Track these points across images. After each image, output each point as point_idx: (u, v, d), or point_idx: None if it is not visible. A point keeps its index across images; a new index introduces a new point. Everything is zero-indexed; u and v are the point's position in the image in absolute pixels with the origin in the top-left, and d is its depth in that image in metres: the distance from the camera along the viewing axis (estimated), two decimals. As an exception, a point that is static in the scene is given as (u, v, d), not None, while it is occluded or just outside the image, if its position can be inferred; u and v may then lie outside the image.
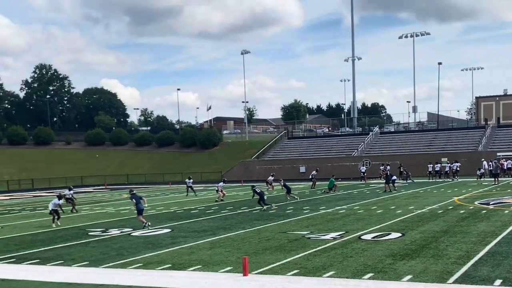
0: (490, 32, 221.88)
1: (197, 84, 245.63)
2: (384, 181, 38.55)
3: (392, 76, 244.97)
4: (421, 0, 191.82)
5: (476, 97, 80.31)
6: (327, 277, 11.73)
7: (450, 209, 23.79)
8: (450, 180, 47.62)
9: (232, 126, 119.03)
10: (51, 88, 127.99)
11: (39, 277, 13.01)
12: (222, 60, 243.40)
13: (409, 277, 11.36)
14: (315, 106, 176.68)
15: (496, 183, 40.10)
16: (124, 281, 12.22)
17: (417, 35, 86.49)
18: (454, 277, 11.18)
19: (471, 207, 24.29)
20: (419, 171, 53.03)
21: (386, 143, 68.32)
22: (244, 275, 12.02)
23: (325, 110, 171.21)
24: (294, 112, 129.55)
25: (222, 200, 34.21)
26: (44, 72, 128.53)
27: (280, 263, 13.32)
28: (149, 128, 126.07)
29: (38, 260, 15.22)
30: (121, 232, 20.63)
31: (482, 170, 47.31)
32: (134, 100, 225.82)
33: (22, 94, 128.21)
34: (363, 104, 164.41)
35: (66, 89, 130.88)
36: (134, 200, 21.98)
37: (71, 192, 32.90)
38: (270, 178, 43.60)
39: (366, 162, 59.91)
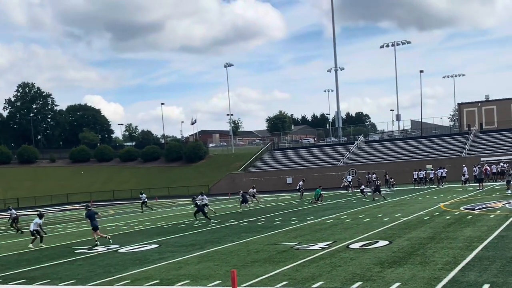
0: (470, 39, 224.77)
1: (181, 98, 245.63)
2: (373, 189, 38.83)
3: (375, 85, 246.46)
4: (401, 9, 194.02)
5: (458, 104, 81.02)
6: (316, 287, 11.72)
7: (436, 216, 23.93)
8: (436, 186, 47.95)
9: (217, 139, 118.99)
10: (34, 106, 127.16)
11: (25, 297, 12.85)
12: (206, 74, 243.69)
13: (397, 284, 11.39)
14: (300, 117, 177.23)
15: (481, 188, 40.42)
16: (112, 298, 12.11)
17: (398, 44, 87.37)
18: (442, 283, 11.22)
19: (456, 213, 24.45)
20: (405, 179, 53.31)
21: (371, 152, 68.65)
22: (233, 288, 11.97)
23: (310, 120, 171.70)
24: (279, 124, 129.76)
25: (214, 212, 33.61)
26: (27, 91, 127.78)
27: (269, 275, 13.28)
28: (134, 143, 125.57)
29: (24, 280, 15.04)
30: (108, 249, 20.46)
31: (467, 176, 47.68)
32: (118, 116, 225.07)
33: (5, 113, 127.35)
34: (348, 114, 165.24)
35: (49, 107, 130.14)
36: (88, 218, 22.36)
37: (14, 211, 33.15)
38: (252, 190, 43.53)
39: (352, 171, 60.08)
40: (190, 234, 23.71)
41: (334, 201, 38.84)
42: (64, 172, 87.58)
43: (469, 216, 22.71)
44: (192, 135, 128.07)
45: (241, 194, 36.96)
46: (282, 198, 47.47)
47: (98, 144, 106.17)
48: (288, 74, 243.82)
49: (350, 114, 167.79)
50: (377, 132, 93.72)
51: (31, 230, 23.00)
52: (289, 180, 63.31)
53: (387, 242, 17.06)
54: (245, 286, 12.25)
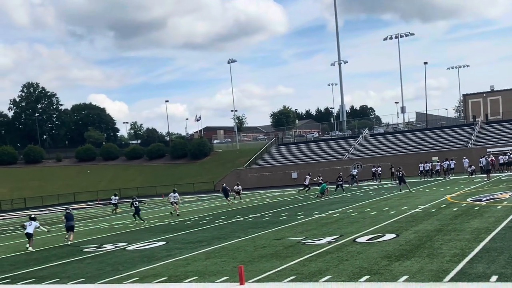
0: (474, 29, 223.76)
1: (185, 95, 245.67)
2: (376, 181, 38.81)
3: (379, 77, 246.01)
4: (404, 1, 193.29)
5: (463, 95, 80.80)
6: (324, 281, 11.73)
7: (443, 208, 23.88)
8: (442, 178, 47.84)
9: (222, 135, 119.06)
10: (39, 106, 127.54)
11: (35, 297, 12.92)
12: (209, 70, 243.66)
13: (405, 277, 11.38)
14: (304, 112, 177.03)
15: (488, 179, 40.25)
16: (121, 296, 12.16)
17: (401, 36, 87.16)
18: (450, 275, 11.21)
19: (463, 205, 24.40)
20: (411, 171, 53.15)
21: (376, 145, 68.50)
22: (241, 284, 12.00)
23: (314, 115, 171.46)
24: (283, 119, 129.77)
25: (178, 214, 32.86)
26: (31, 91, 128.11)
27: (276, 270, 13.31)
28: (139, 141, 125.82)
29: (33, 280, 15.13)
30: (116, 247, 20.53)
31: (473, 167, 47.55)
32: (123, 114, 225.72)
33: (10, 114, 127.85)
34: (352, 107, 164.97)
35: (54, 106, 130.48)
36: (65, 219, 23.39)
37: None
38: (236, 187, 43.69)
39: (358, 165, 60.02)
40: (197, 230, 23.76)
41: (340, 195, 38.81)
42: (70, 171, 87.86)
43: (476, 208, 22.66)
44: (196, 132, 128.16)
45: (222, 188, 38.98)
46: (287, 193, 47.49)
47: (104, 143, 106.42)
48: (291, 69, 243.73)
49: (355, 108, 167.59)
50: (382, 125, 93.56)
51: (31, 232, 22.29)
52: (295, 175, 63.27)
53: (394, 235, 17.05)
54: (252, 282, 12.28)
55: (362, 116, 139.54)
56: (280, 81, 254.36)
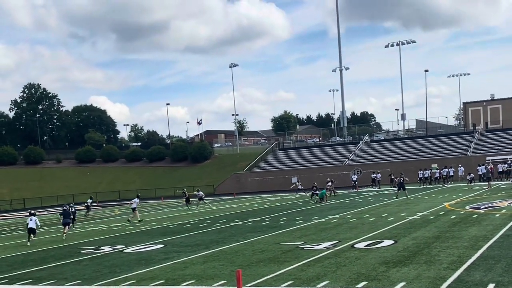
0: (475, 38, 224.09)
1: (186, 99, 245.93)
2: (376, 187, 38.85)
3: (380, 84, 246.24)
4: (406, 9, 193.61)
5: (463, 103, 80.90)
6: (321, 287, 11.73)
7: (441, 215, 23.89)
8: (441, 186, 47.87)
9: (223, 139, 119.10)
10: (40, 107, 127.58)
11: (32, 298, 12.92)
12: (211, 74, 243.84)
13: (402, 284, 11.39)
14: (305, 117, 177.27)
15: (489, 187, 40.20)
16: (118, 298, 12.15)
17: (403, 43, 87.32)
18: (447, 283, 11.21)
19: (462, 212, 24.41)
20: (410, 178, 53.08)
21: (376, 151, 68.56)
22: (238, 288, 12.00)
23: (315, 120, 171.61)
24: (284, 123, 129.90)
25: (140, 220, 32.69)
26: (33, 91, 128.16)
27: (274, 274, 13.30)
28: (139, 143, 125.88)
29: (30, 280, 15.11)
30: (114, 249, 20.53)
31: (472, 175, 47.55)
32: (124, 116, 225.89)
33: (11, 114, 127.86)
34: (353, 113, 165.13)
35: (55, 108, 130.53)
36: (61, 216, 26.94)
37: None
38: (199, 193, 43.69)
39: (357, 171, 60.07)
40: (196, 234, 23.76)
41: (339, 200, 38.82)
42: (70, 173, 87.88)
43: (475, 215, 22.67)
44: (197, 135, 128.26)
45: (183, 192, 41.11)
46: (287, 198, 47.49)
47: (104, 145, 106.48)
48: (293, 74, 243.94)
49: (355, 114, 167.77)
50: (382, 131, 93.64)
51: (33, 227, 24.85)
52: (294, 179, 63.26)
53: (392, 242, 17.06)
54: (250, 286, 12.27)
55: (363, 122, 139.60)
56: (281, 86, 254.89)
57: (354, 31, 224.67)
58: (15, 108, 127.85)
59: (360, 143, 71.42)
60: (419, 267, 12.87)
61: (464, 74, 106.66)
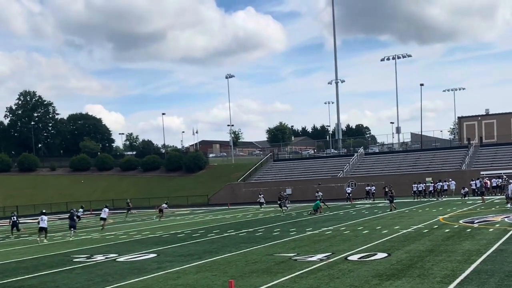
0: (470, 53, 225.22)
1: (182, 108, 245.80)
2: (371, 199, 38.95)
3: (375, 97, 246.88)
4: (402, 23, 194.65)
5: (458, 117, 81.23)
6: (314, 298, 11.71)
7: (435, 228, 23.91)
8: (435, 199, 47.94)
9: (218, 149, 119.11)
10: (35, 114, 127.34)
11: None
12: (207, 84, 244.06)
13: (395, 297, 11.37)
14: (300, 128, 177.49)
15: (483, 201, 40.27)
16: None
17: (399, 57, 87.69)
18: (440, 296, 11.20)
19: (456, 226, 24.43)
20: (404, 191, 53.28)
21: (371, 164, 68.65)
22: (231, 298, 11.95)
23: (310, 132, 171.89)
24: (279, 135, 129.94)
25: (103, 228, 34.28)
26: (28, 99, 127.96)
27: (267, 286, 13.26)
28: (134, 152, 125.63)
29: (22, 288, 15.04)
30: (106, 258, 20.43)
31: (466, 189, 47.67)
32: (119, 125, 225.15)
33: (6, 121, 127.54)
34: (348, 126, 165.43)
35: (50, 115, 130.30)
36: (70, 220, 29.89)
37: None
38: (164, 205, 43.83)
39: (352, 183, 60.10)
40: (189, 244, 23.69)
41: (333, 212, 38.80)
42: (64, 181, 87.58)
43: (468, 230, 22.69)
44: (192, 145, 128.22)
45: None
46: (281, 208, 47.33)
47: (99, 153, 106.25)
48: (289, 86, 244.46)
49: (350, 126, 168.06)
50: (377, 144, 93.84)
51: (44, 226, 28.86)
52: (289, 191, 63.24)
53: (385, 255, 17.04)
54: (242, 297, 12.23)
55: (358, 135, 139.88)
56: (277, 98, 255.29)
57: (350, 44, 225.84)
58: (10, 115, 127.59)
59: (355, 155, 71.52)
60: (412, 281, 12.86)
61: (460, 89, 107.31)
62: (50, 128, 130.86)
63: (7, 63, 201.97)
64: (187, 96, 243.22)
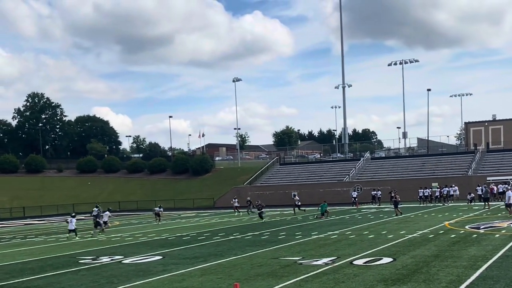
0: (477, 58, 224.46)
1: (189, 112, 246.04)
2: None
3: (382, 102, 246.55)
4: (409, 28, 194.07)
5: (465, 123, 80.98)
6: (318, 302, 11.72)
7: (441, 234, 23.86)
8: (441, 204, 47.80)
9: (224, 153, 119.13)
10: (43, 116, 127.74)
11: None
12: (214, 88, 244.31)
13: (400, 301, 11.37)
14: (306, 133, 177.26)
15: (487, 207, 40.21)
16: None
17: (406, 62, 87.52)
18: (445, 301, 11.19)
19: (461, 232, 24.37)
20: (410, 196, 53.16)
21: (377, 169, 68.53)
22: (235, 301, 11.97)
23: (316, 136, 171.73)
24: (286, 139, 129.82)
25: (103, 230, 33.99)
26: (36, 101, 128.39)
27: (272, 289, 13.29)
28: (141, 155, 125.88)
29: (28, 289, 15.12)
30: (112, 259, 20.51)
31: (472, 195, 47.46)
32: (126, 128, 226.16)
33: (14, 123, 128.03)
34: (354, 130, 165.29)
35: (58, 117, 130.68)
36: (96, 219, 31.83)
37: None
38: (157, 209, 43.13)
39: (358, 188, 60.01)
40: (194, 246, 23.74)
41: (339, 216, 38.76)
42: (71, 182, 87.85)
43: (474, 235, 22.63)
44: (199, 148, 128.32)
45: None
46: (287, 212, 47.37)
47: (106, 155, 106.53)
48: (295, 90, 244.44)
49: (357, 131, 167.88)
50: (384, 149, 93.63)
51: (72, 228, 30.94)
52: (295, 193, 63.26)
53: (391, 259, 17.03)
54: (247, 300, 12.26)
55: (364, 139, 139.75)
56: (283, 102, 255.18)
57: (357, 49, 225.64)
58: (18, 117, 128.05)
59: (361, 160, 71.43)
60: (417, 286, 12.86)
61: (466, 94, 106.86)
62: (57, 130, 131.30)
63: (15, 65, 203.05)
64: (194, 99, 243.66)
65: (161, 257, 20.39)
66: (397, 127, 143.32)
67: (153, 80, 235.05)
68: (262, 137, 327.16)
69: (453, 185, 50.67)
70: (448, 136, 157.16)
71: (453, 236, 22.82)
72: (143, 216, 54.99)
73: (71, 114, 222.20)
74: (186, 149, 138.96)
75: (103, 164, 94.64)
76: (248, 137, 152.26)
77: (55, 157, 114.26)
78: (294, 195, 44.72)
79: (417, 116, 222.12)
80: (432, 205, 48.23)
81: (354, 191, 56.48)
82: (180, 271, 16.75)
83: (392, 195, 49.67)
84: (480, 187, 47.05)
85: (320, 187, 62.61)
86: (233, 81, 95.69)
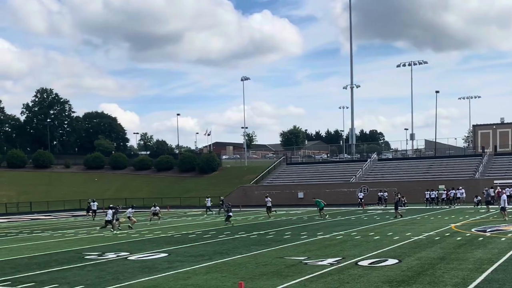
0: (486, 61, 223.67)
1: (196, 110, 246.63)
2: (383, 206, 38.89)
3: (389, 103, 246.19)
4: (418, 29, 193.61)
5: (473, 125, 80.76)
6: (323, 302, 11.72)
7: (447, 236, 23.79)
8: (447, 207, 47.67)
9: (231, 151, 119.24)
10: (51, 112, 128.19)
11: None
12: (222, 86, 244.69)
13: (404, 303, 11.35)
14: (314, 133, 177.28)
15: (488, 210, 40.03)
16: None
17: (415, 64, 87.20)
18: (450, 304, 11.17)
19: (468, 234, 24.29)
20: (416, 198, 53.05)
21: (384, 170, 68.38)
22: (240, 300, 12.00)
23: (323, 136, 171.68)
24: (293, 138, 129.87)
25: (131, 227, 33.90)
26: (45, 96, 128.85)
27: (276, 288, 13.30)
28: (148, 152, 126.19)
29: (33, 284, 15.15)
30: (118, 256, 20.57)
31: (479, 197, 47.27)
32: (134, 125, 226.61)
33: (22, 118, 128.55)
34: (362, 131, 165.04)
35: (66, 113, 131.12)
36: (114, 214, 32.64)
37: None
38: (154, 208, 41.46)
39: (364, 189, 59.92)
40: (200, 244, 23.78)
41: (345, 217, 38.73)
42: (78, 178, 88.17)
43: (480, 238, 22.56)
44: (206, 146, 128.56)
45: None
46: (293, 212, 47.41)
47: (113, 152, 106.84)
48: (303, 90, 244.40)
49: (364, 132, 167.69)
50: (391, 150, 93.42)
51: (109, 219, 32.69)
52: (301, 195, 63.24)
53: (396, 261, 17.01)
54: (252, 298, 12.27)
55: (371, 140, 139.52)
56: (291, 101, 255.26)
57: (366, 50, 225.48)
58: (27, 112, 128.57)
59: (368, 161, 71.29)
60: None
61: (475, 97, 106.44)
62: (65, 126, 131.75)
63: (25, 60, 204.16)
64: (202, 97, 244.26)
65: (166, 255, 20.44)
66: (405, 129, 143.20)
67: (162, 77, 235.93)
68: (269, 136, 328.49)
69: (460, 188, 50.50)
70: (455, 139, 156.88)
71: (459, 238, 22.76)
72: (149, 213, 55.07)
73: (79, 110, 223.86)
74: (193, 147, 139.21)
75: (110, 160, 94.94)
76: (255, 136, 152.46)
77: (63, 153, 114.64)
78: (266, 196, 44.13)
79: (425, 118, 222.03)
80: (438, 207, 48.14)
81: (361, 192, 56.44)
82: (185, 269, 16.79)
83: (399, 196, 49.65)
84: (488, 190, 46.78)
85: (327, 188, 62.56)
86: (242, 80, 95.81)
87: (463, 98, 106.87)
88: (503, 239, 22.10)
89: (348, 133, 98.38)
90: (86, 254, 21.56)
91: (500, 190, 48.89)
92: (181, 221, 40.87)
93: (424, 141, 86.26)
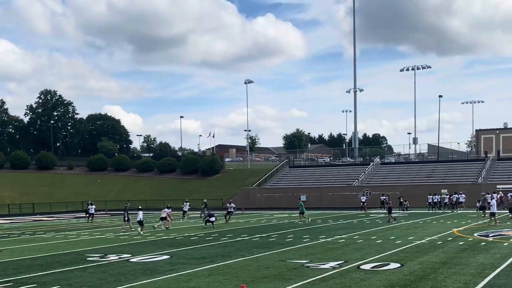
0: (490, 66, 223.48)
1: (199, 112, 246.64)
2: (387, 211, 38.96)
3: (393, 107, 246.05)
4: (421, 34, 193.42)
5: (476, 130, 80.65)
6: (324, 306, 11.71)
7: (449, 241, 23.76)
8: (450, 211, 47.59)
9: (234, 154, 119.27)
10: (55, 113, 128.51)
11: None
12: (225, 89, 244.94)
13: (406, 307, 11.34)
14: (316, 136, 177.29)
15: (483, 215, 39.86)
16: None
17: (418, 68, 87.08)
18: (451, 309, 11.15)
19: (470, 239, 24.25)
20: (419, 202, 52.98)
21: (386, 174, 68.33)
22: (241, 302, 12.00)
23: (326, 139, 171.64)
24: (296, 141, 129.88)
25: (167, 228, 34.61)
26: (48, 98, 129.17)
27: (278, 291, 13.29)
28: (151, 154, 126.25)
29: (35, 285, 15.16)
30: (120, 258, 20.59)
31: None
32: (137, 127, 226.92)
33: (26, 119, 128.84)
34: (364, 135, 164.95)
35: (70, 115, 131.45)
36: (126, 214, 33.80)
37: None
38: (167, 209, 39.65)
39: (367, 192, 59.86)
40: (202, 247, 23.78)
41: (347, 221, 38.69)
42: (81, 180, 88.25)
43: (483, 243, 22.52)
44: (209, 149, 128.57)
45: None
46: (295, 215, 47.30)
47: (116, 154, 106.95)
48: (307, 93, 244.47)
49: (367, 135, 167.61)
50: (394, 154, 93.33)
51: (140, 220, 32.92)
52: (303, 198, 63.10)
53: (398, 265, 16.98)
54: (253, 301, 12.26)
55: (374, 144, 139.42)
56: (294, 104, 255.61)
57: (369, 54, 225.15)
58: (30, 113, 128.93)
59: (371, 164, 71.25)
60: (424, 292, 12.81)
61: (478, 102, 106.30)
62: (69, 127, 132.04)
63: (28, 61, 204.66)
64: (205, 100, 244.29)
65: (168, 257, 20.45)
66: (408, 133, 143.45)
67: (165, 80, 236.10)
68: (272, 139, 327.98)
69: (461, 192, 50.43)
70: (458, 143, 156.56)
71: (461, 243, 22.72)
72: (151, 215, 55.08)
73: (82, 112, 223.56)
74: (196, 150, 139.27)
75: (113, 162, 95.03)
76: (258, 139, 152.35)
77: (66, 154, 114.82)
78: (229, 202, 43.36)
79: (428, 122, 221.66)
80: (441, 211, 48.07)
81: (363, 196, 56.35)
82: (187, 271, 16.79)
83: (402, 200, 49.55)
84: (490, 195, 46.65)
85: (329, 191, 62.53)
86: (245, 83, 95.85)
87: (466, 103, 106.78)
88: (505, 244, 22.05)
89: (351, 136, 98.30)
90: (88, 255, 21.57)
91: (503, 195, 48.84)
92: (183, 223, 40.86)
93: (427, 146, 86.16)
